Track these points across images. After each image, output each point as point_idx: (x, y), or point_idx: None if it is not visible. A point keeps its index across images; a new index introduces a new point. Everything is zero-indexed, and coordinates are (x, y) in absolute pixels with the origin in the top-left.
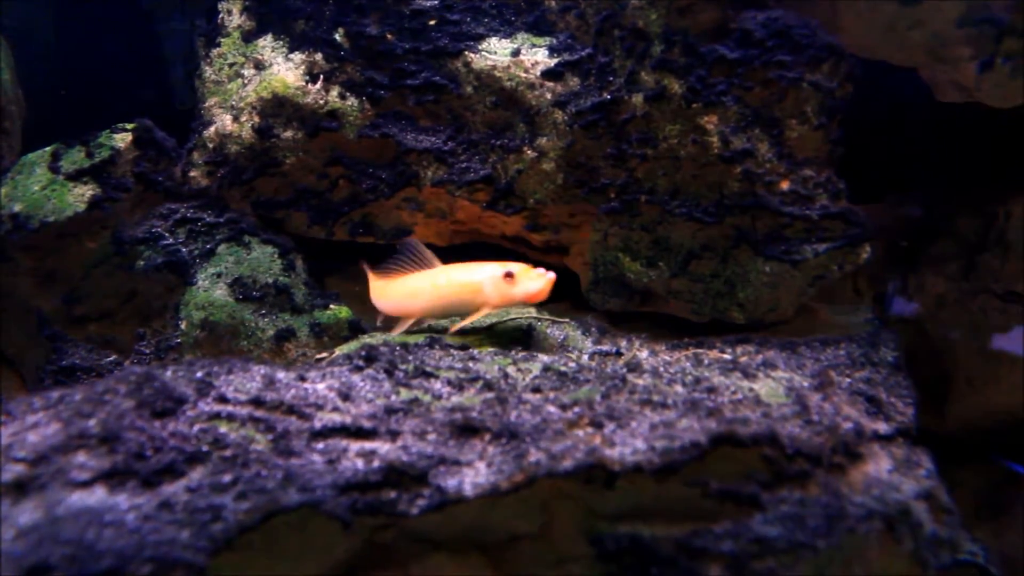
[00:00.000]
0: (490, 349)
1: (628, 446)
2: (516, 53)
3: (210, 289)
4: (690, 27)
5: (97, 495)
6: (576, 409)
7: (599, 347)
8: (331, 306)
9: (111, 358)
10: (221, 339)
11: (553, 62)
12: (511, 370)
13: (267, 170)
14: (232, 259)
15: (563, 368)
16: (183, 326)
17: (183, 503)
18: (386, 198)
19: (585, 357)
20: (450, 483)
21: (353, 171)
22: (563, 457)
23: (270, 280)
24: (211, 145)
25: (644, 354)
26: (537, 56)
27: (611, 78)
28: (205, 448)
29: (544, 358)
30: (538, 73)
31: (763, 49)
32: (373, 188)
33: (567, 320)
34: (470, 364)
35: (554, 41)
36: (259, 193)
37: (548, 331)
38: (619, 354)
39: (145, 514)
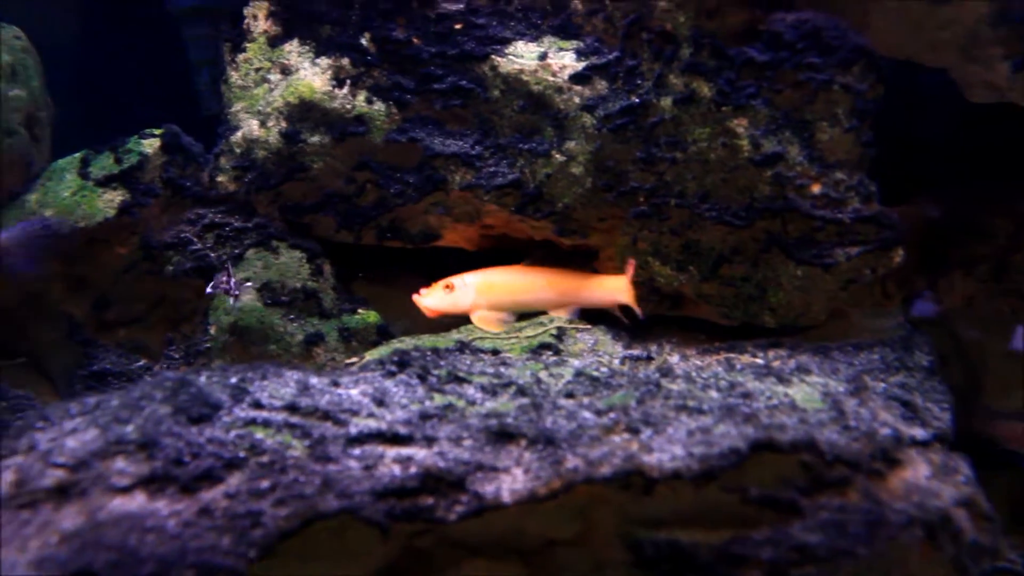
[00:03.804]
0: (521, 354)
1: (666, 452)
2: (543, 57)
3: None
4: (718, 30)
5: (137, 501)
6: (612, 415)
7: (629, 351)
8: (359, 311)
9: (141, 363)
10: (250, 344)
11: (581, 66)
12: (543, 375)
13: (294, 175)
14: (260, 264)
15: (595, 373)
16: (212, 331)
17: (222, 509)
18: (414, 203)
19: (616, 362)
20: (488, 489)
21: (380, 175)
22: (601, 463)
23: (298, 285)
24: (238, 150)
25: (675, 358)
26: (564, 60)
27: (639, 81)
28: (242, 454)
29: (575, 363)
30: (566, 77)
31: (793, 51)
32: (401, 193)
33: (589, 325)
34: (502, 369)
35: (581, 45)
36: (286, 198)
37: (578, 335)
38: (650, 359)
39: (185, 520)
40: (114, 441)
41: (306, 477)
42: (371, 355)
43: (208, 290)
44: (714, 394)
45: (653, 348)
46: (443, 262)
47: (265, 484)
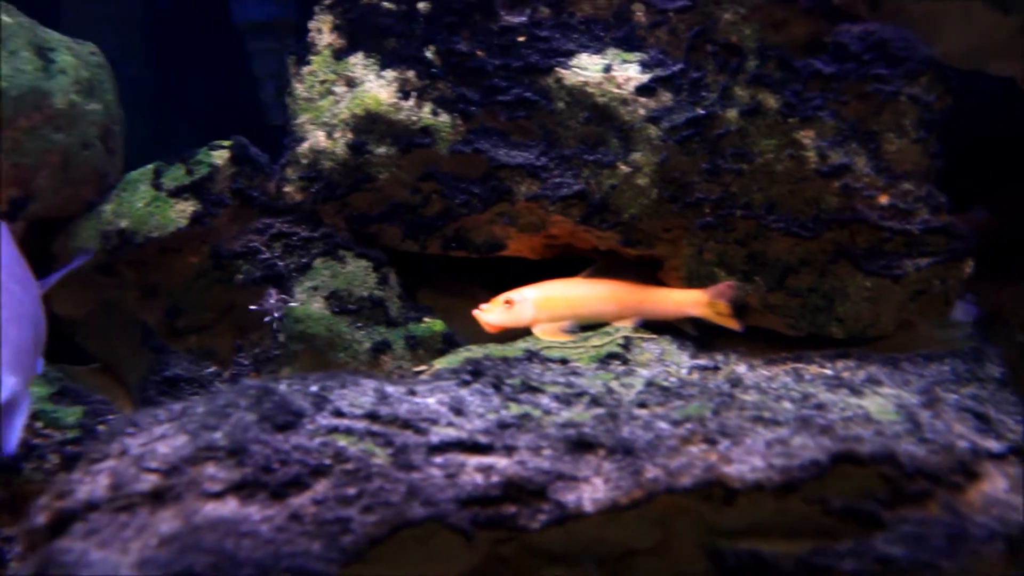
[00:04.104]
0: (590, 363)
1: (746, 463)
2: (608, 69)
3: (307, 302)
4: (784, 42)
5: (230, 506)
6: (688, 425)
7: (696, 361)
8: (425, 319)
9: (211, 369)
10: (318, 352)
11: (646, 77)
12: (614, 385)
13: (361, 185)
14: (328, 273)
15: (665, 383)
16: (281, 338)
17: (311, 515)
18: (479, 213)
19: (684, 371)
20: (569, 498)
21: (446, 186)
22: (681, 474)
23: (365, 293)
24: (305, 161)
25: (742, 368)
26: (629, 72)
27: (704, 93)
28: (327, 461)
29: (644, 372)
30: (631, 89)
31: (860, 63)
32: (466, 203)
33: (655, 334)
34: (572, 379)
35: (645, 57)
36: (352, 208)
37: (644, 345)
38: (717, 368)
39: (277, 525)
40: (204, 447)
41: (391, 485)
42: (440, 364)
43: (251, 307)
44: (788, 405)
45: (719, 358)
46: (502, 271)
47: (352, 491)
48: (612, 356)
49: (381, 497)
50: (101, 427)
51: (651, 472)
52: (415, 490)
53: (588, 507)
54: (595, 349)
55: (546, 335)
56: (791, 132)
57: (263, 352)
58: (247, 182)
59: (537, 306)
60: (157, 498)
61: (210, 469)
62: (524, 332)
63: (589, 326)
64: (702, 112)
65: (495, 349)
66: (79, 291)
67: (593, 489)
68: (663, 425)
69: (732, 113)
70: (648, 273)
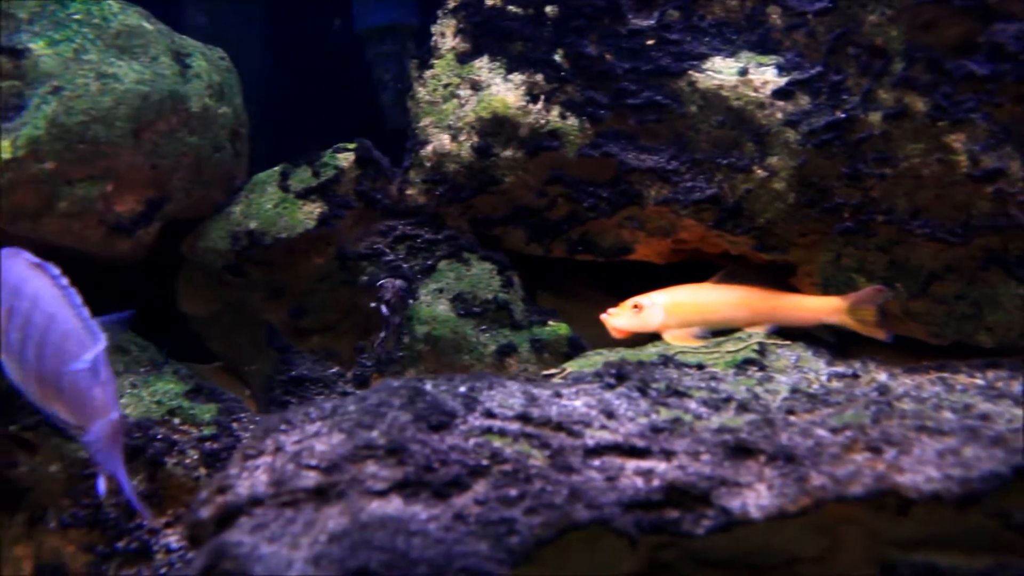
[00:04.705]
0: (726, 369)
1: (920, 474)
2: (743, 72)
3: (432, 304)
4: (935, 43)
5: (394, 504)
6: (848, 433)
7: (833, 369)
8: (549, 322)
9: (334, 369)
10: (444, 354)
11: (783, 81)
12: (759, 391)
13: (486, 188)
14: (452, 275)
15: (810, 390)
16: (406, 340)
17: (475, 515)
18: (607, 216)
19: (823, 378)
20: (734, 504)
21: (573, 189)
22: (850, 482)
23: (490, 296)
24: (428, 164)
25: (883, 377)
26: (766, 75)
27: (844, 96)
28: (484, 462)
29: (784, 379)
30: (768, 92)
31: (1016, 63)
32: (594, 207)
33: (788, 340)
34: (713, 383)
35: (781, 60)
36: (477, 211)
37: (778, 351)
38: (856, 376)
39: (444, 525)
40: (363, 446)
41: (552, 487)
42: (573, 367)
43: (372, 305)
44: (949, 415)
45: (857, 366)
46: (621, 275)
47: (513, 492)
48: (748, 362)
49: (544, 499)
50: (235, 424)
51: (817, 480)
52: (577, 493)
53: (755, 513)
54: (730, 355)
55: (676, 340)
56: (940, 136)
57: (386, 353)
58: (371, 184)
59: (667, 311)
60: (321, 495)
61: (371, 467)
62: (650, 336)
63: (718, 332)
64: (842, 115)
65: (628, 353)
66: (206, 291)
67: (757, 495)
68: (822, 432)
69: (875, 116)
70: (777, 278)
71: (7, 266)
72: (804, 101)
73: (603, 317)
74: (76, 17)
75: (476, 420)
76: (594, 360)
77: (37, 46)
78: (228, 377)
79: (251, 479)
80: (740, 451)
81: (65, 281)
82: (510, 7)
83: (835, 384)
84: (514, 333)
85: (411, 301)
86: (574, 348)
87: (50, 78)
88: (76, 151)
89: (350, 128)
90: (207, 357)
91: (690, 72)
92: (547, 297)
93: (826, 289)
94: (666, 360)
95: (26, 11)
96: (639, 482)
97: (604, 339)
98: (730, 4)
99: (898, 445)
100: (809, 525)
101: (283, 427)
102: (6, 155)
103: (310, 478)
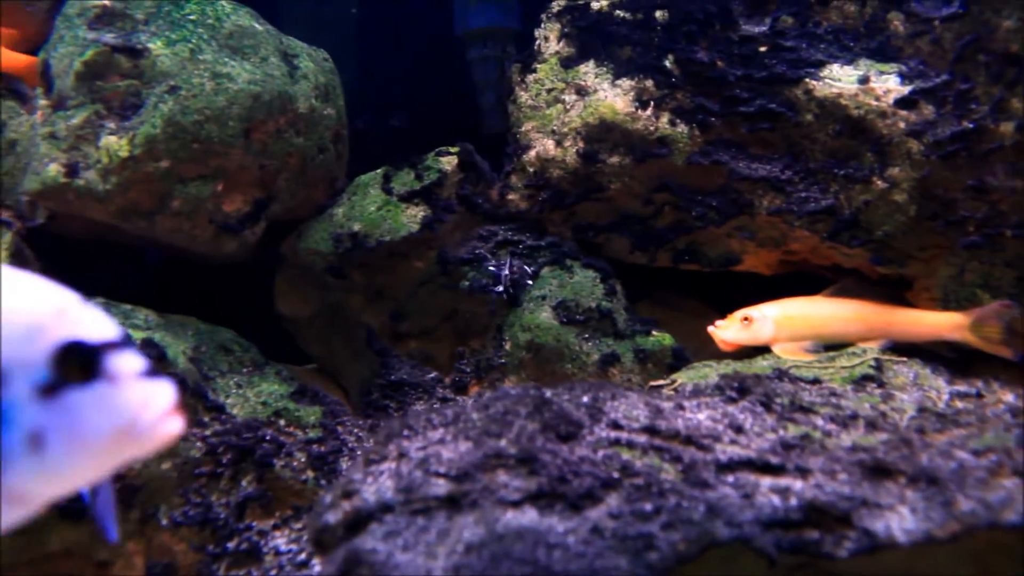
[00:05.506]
0: (843, 384)
1: None
2: (864, 80)
3: (535, 311)
4: None
5: (529, 516)
6: (992, 456)
7: (955, 387)
8: (653, 332)
9: (432, 375)
10: (546, 362)
11: (907, 89)
12: (884, 408)
13: (591, 195)
14: (556, 282)
15: (937, 409)
16: (507, 347)
17: (611, 529)
18: (716, 226)
19: (946, 397)
20: (877, 527)
21: (680, 198)
22: (1004, 508)
23: (593, 304)
24: (531, 169)
25: (1009, 397)
26: (888, 84)
27: (972, 106)
28: (615, 475)
29: (905, 397)
30: (890, 101)
31: None
32: (702, 216)
33: (904, 357)
34: (834, 399)
35: (903, 68)
36: (580, 217)
37: (895, 368)
38: (980, 396)
39: (583, 538)
40: (492, 455)
41: (688, 502)
42: (683, 378)
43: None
44: None
45: (979, 385)
46: (720, 285)
47: (648, 506)
48: (867, 378)
49: (681, 514)
50: (339, 428)
51: (965, 504)
52: (715, 509)
53: (901, 538)
54: (845, 370)
55: (787, 354)
56: None
57: (485, 360)
58: (473, 188)
59: (778, 324)
60: (453, 503)
61: (502, 477)
62: (752, 351)
63: (829, 347)
64: (970, 125)
65: (740, 366)
66: (305, 292)
67: (901, 519)
68: (963, 454)
69: (1007, 127)
70: (891, 292)
71: None
72: (928, 111)
73: (711, 329)
74: (191, 18)
75: (602, 431)
76: (704, 372)
77: (155, 46)
78: (323, 379)
79: (376, 484)
80: (878, 471)
81: None
82: (618, 12)
83: (960, 404)
84: (617, 342)
85: (529, 282)
86: (678, 359)
87: (167, 77)
88: (190, 150)
89: (448, 132)
90: (299, 358)
91: (806, 80)
92: (646, 306)
93: (946, 304)
94: (781, 374)
95: (142, 11)
96: (776, 500)
97: (705, 350)
98: (847, 10)
99: None
100: (957, 551)
101: (406, 432)
102: (124, 153)
103: (440, 486)
